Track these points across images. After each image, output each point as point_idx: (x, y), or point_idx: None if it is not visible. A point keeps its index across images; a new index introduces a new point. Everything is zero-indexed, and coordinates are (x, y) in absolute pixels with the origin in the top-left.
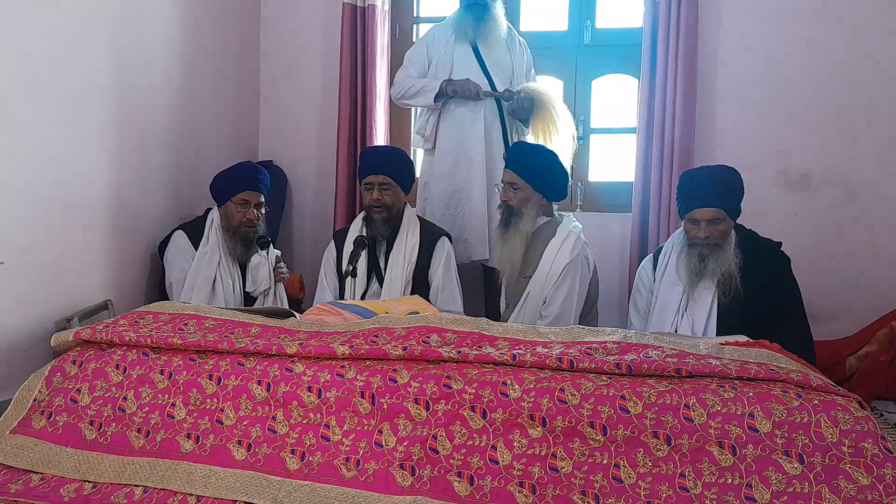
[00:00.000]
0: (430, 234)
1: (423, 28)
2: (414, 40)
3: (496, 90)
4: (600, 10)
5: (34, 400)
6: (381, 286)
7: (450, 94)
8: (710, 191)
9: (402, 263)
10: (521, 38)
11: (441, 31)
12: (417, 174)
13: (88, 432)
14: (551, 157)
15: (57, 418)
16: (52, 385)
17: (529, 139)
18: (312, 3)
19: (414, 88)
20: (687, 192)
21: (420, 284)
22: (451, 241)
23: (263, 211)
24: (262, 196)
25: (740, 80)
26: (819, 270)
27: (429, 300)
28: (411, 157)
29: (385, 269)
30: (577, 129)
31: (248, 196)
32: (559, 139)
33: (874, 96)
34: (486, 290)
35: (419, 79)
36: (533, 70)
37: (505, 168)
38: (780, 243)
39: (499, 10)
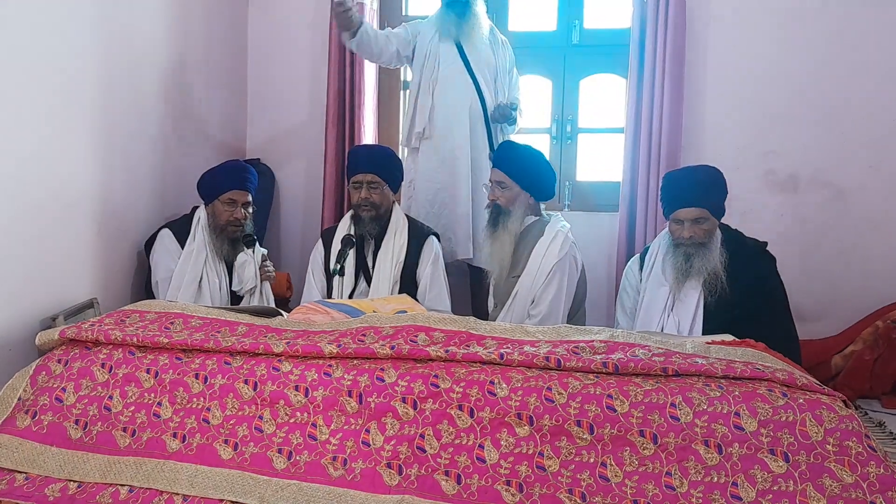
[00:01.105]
0: (418, 233)
1: None
2: None
3: (480, 89)
4: (588, 10)
5: (19, 399)
6: (369, 285)
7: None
8: (692, 191)
9: (390, 262)
10: (503, 37)
11: (426, 28)
12: None
13: (74, 431)
14: (539, 156)
15: (42, 417)
16: (36, 384)
17: (515, 139)
18: (301, 1)
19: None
20: (670, 192)
21: (408, 283)
22: (439, 241)
23: (251, 210)
24: (250, 195)
25: (728, 81)
26: (805, 270)
27: (417, 299)
28: (399, 156)
29: (373, 268)
30: (566, 129)
31: (235, 195)
32: None
33: (861, 97)
34: (472, 290)
35: (378, 32)
36: (515, 69)
37: (492, 167)
38: (766, 243)
39: (480, 7)
